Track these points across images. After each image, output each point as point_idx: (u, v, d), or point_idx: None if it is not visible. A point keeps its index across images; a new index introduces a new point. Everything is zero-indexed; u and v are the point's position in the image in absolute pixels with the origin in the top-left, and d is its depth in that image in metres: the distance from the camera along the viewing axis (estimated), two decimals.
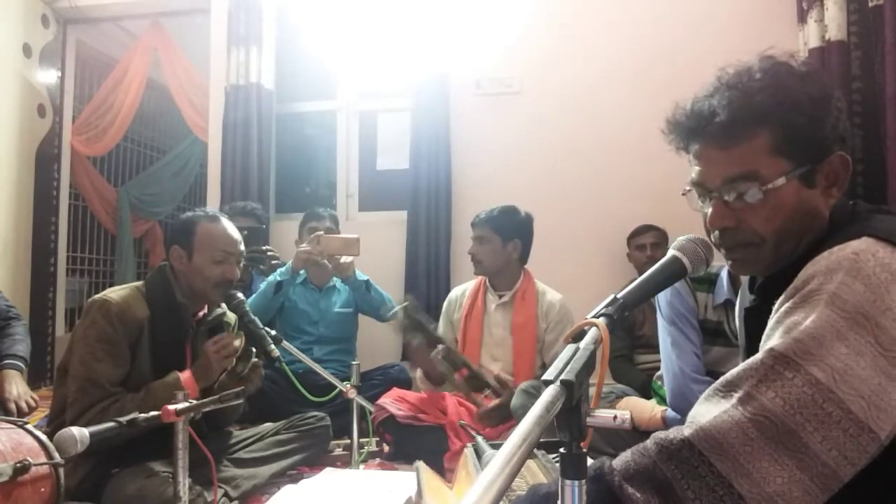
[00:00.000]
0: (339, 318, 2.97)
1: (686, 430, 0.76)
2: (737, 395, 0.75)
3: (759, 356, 0.77)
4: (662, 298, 1.85)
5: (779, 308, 0.83)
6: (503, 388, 2.25)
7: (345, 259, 2.81)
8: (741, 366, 0.78)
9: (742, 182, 0.89)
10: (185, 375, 1.75)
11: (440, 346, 2.24)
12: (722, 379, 0.79)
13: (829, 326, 0.75)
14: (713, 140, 0.92)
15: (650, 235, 3.11)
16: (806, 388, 0.72)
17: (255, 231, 3.01)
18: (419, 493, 1.51)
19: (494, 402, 2.24)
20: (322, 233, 2.82)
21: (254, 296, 2.83)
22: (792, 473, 0.70)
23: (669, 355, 1.83)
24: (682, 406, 1.80)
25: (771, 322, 0.83)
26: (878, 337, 0.74)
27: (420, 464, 1.54)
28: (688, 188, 0.98)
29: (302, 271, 2.92)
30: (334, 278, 3.00)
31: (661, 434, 0.78)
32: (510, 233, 2.50)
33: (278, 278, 2.81)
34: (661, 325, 1.85)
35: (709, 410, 0.77)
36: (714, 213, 0.93)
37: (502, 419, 2.22)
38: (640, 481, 0.75)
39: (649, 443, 0.78)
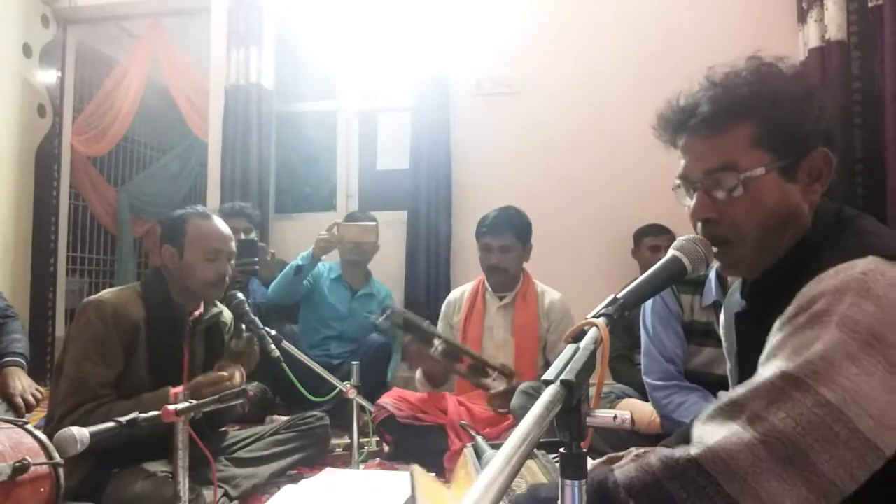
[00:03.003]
0: (365, 322, 3.03)
1: (692, 450, 0.76)
2: (745, 416, 0.75)
3: (767, 376, 0.77)
4: (647, 304, 1.84)
5: (783, 325, 0.82)
6: (509, 374, 2.22)
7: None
8: (748, 386, 0.78)
9: (722, 172, 0.91)
10: (175, 391, 1.71)
11: (438, 340, 2.20)
12: (727, 398, 0.79)
13: (840, 348, 0.75)
14: (695, 132, 0.94)
15: (666, 238, 3.08)
16: (816, 408, 0.73)
17: (245, 244, 2.78)
18: (413, 498, 1.49)
19: (502, 387, 2.21)
20: (341, 221, 2.96)
21: (277, 278, 2.95)
22: (800, 493, 0.71)
23: (642, 362, 1.85)
24: (658, 410, 1.81)
25: (776, 339, 0.82)
26: (889, 356, 0.74)
27: (415, 467, 1.53)
28: (677, 183, 0.99)
29: (333, 266, 3.11)
30: (370, 286, 3.13)
31: (665, 451, 0.78)
32: (528, 237, 2.49)
33: (299, 262, 2.91)
34: (641, 330, 1.86)
35: (716, 430, 0.77)
36: (697, 203, 0.94)
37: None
38: (645, 499, 0.76)
39: (653, 459, 0.78)
